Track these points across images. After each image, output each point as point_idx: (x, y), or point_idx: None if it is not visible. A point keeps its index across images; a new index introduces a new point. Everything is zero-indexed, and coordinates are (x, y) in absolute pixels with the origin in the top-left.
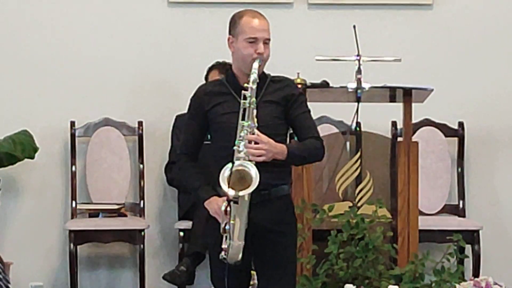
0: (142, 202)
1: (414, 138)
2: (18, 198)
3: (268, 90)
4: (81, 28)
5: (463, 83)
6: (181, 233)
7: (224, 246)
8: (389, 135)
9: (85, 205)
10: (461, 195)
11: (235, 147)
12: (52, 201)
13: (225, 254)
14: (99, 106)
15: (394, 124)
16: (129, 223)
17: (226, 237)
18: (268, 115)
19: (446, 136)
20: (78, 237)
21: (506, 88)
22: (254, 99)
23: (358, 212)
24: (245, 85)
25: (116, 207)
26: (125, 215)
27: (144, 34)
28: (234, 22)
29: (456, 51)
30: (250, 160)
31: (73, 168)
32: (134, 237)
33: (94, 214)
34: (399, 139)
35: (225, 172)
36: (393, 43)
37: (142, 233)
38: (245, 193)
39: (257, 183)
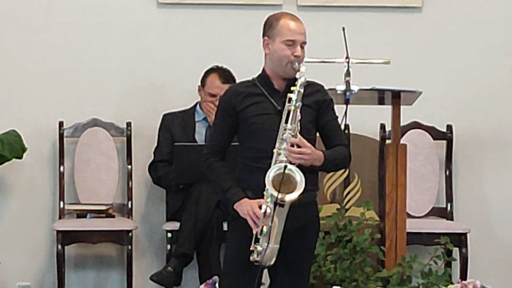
0: (130, 203)
1: (402, 141)
2: (6, 198)
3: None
4: (69, 29)
5: (452, 86)
6: (169, 234)
7: (259, 248)
8: (378, 138)
9: (73, 205)
10: (449, 198)
11: (275, 149)
12: (40, 201)
13: (258, 257)
14: (87, 106)
15: (382, 126)
16: (117, 223)
17: (260, 239)
18: (303, 119)
19: (434, 139)
20: (65, 237)
21: (495, 91)
22: (300, 102)
23: (346, 214)
24: (292, 88)
25: (104, 207)
26: (113, 216)
27: (133, 35)
28: (270, 24)
29: (445, 54)
30: (290, 163)
31: (61, 169)
32: (122, 238)
33: (82, 214)
34: (388, 141)
35: (271, 174)
36: (382, 45)
37: (130, 234)
38: (292, 197)
39: (303, 188)
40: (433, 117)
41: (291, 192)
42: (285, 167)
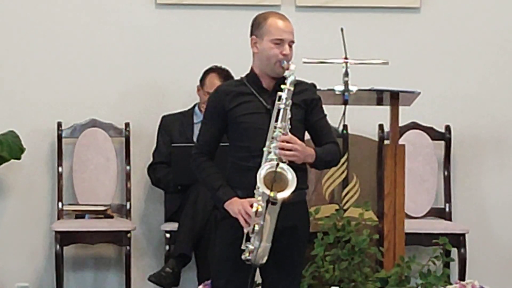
0: (128, 203)
1: (401, 141)
2: (4, 199)
3: None
4: (67, 29)
5: (450, 86)
6: (167, 235)
7: (251, 247)
8: (376, 138)
9: (71, 206)
10: (448, 199)
11: (265, 148)
12: (38, 202)
13: (249, 256)
14: (86, 107)
15: (381, 127)
16: (116, 224)
17: (251, 238)
18: (292, 118)
19: (432, 139)
20: (64, 238)
21: (493, 92)
22: (290, 101)
23: (345, 215)
24: (282, 86)
25: (102, 208)
26: (112, 217)
27: (131, 36)
28: (258, 23)
29: (443, 54)
30: (282, 161)
31: (60, 169)
32: (121, 238)
33: (80, 215)
34: (386, 142)
35: (262, 172)
36: (381, 46)
37: (129, 234)
38: (284, 195)
39: (294, 186)
40: (432, 118)
41: (283, 190)
42: (277, 165)
